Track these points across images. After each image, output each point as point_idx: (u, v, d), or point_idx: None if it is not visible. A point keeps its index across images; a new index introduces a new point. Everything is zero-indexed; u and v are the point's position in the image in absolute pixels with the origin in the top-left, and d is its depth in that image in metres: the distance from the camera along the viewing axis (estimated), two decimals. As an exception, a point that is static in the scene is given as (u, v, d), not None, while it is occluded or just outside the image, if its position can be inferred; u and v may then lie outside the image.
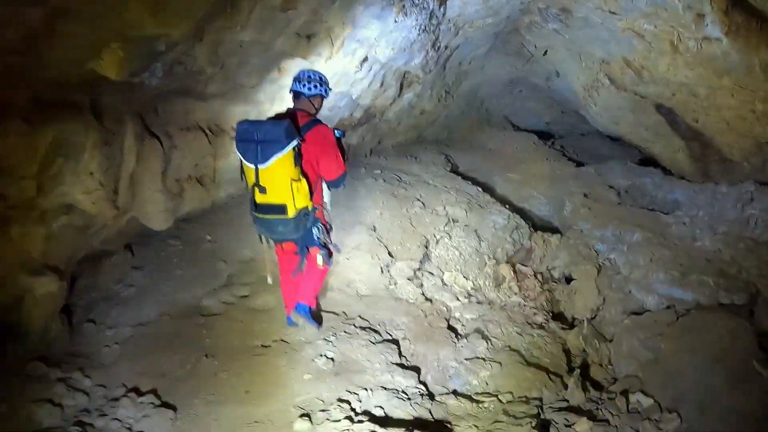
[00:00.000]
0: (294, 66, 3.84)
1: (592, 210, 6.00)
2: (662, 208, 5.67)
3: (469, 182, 6.83)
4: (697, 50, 4.02)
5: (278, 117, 3.01)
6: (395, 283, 4.27)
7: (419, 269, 4.71)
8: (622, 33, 4.53)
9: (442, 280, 4.73)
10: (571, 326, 4.74)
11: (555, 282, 5.49)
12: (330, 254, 3.30)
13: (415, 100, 6.11)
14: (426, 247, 5.15)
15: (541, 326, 4.01)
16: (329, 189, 3.20)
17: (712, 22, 3.69)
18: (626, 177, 6.55)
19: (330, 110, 4.89)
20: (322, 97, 3.08)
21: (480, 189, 6.63)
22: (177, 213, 3.99)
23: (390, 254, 4.77)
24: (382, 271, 4.42)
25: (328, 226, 3.26)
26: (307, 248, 3.15)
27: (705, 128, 4.90)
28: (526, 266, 5.60)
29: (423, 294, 4.22)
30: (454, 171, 7.47)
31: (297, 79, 3.02)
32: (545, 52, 5.98)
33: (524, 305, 4.72)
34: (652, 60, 4.51)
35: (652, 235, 4.96)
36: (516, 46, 6.35)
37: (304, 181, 2.82)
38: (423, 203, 5.89)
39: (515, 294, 4.96)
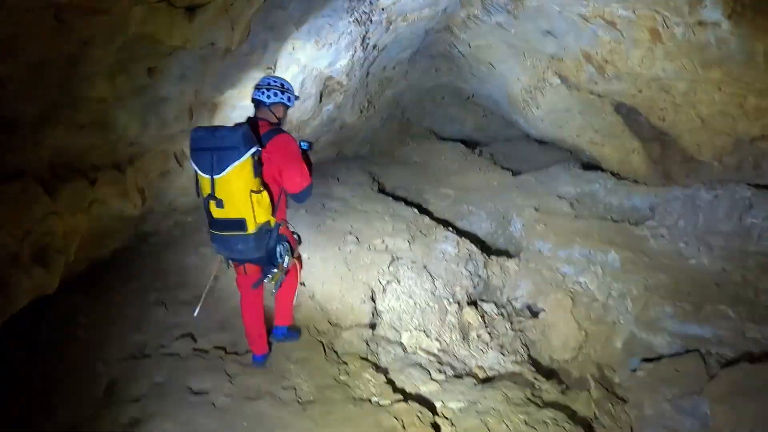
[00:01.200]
0: (172, 64, 2.60)
1: (549, 226, 5.30)
2: (622, 216, 5.07)
3: (402, 203, 6.13)
4: (684, 38, 3.35)
5: (237, 124, 2.65)
6: (347, 371, 3.10)
7: (372, 338, 3.61)
8: (585, 22, 3.78)
9: (402, 346, 3.67)
10: (550, 370, 3.97)
11: (521, 316, 4.68)
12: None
13: (336, 113, 5.02)
14: (372, 300, 4.08)
15: (545, 402, 3.07)
16: (293, 202, 2.93)
17: (713, 4, 3.01)
18: (573, 184, 5.94)
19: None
20: (285, 106, 2.84)
21: (416, 211, 5.82)
22: (3, 316, 2.55)
23: (330, 322, 3.62)
24: (325, 352, 3.25)
25: (296, 241, 2.97)
26: (275, 269, 2.80)
27: (672, 127, 4.32)
28: (488, 303, 4.73)
29: (387, 381, 3.09)
30: (383, 191, 6.61)
31: (257, 87, 2.82)
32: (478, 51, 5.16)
33: (505, 364, 3.80)
34: (622, 52, 3.82)
35: (632, 254, 4.30)
36: (443, 47, 5.49)
37: (265, 193, 2.58)
38: (357, 237, 4.90)
39: (489, 346, 4.05)
